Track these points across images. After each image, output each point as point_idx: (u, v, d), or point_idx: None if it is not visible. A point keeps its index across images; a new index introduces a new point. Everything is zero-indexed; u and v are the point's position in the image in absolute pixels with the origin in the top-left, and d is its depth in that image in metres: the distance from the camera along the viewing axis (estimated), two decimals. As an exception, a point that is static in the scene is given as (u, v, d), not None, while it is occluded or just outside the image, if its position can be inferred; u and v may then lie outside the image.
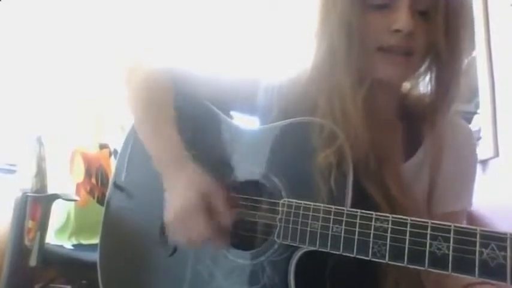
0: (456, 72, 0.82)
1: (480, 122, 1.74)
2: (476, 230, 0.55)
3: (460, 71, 0.82)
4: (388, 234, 0.62)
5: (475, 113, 1.78)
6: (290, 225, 0.73)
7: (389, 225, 0.62)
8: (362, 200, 0.70)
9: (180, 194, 0.80)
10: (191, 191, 0.78)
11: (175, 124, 0.88)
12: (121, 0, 2.84)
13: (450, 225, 0.57)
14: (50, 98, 2.63)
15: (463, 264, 0.55)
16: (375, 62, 0.79)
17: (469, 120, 1.72)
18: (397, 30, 0.76)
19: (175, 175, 0.83)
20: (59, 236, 2.24)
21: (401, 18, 0.75)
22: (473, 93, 1.75)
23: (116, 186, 1.01)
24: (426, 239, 0.59)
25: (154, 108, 0.91)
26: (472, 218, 1.52)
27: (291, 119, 0.81)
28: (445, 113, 0.84)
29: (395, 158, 0.81)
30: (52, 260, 2.02)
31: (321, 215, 0.69)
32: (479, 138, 1.70)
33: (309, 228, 0.70)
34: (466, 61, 0.84)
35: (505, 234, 0.53)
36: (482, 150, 1.67)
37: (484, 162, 1.69)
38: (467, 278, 0.70)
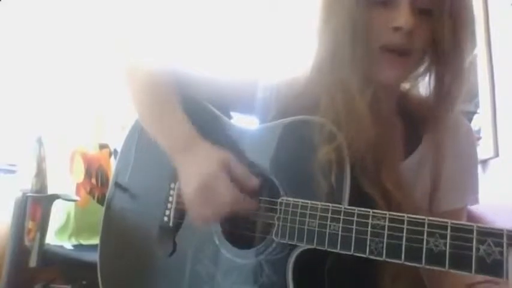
0: (459, 71, 0.82)
1: (480, 122, 1.74)
2: (472, 226, 0.56)
3: (463, 70, 0.82)
4: (385, 232, 0.62)
5: (475, 113, 1.78)
6: (288, 224, 0.73)
7: (386, 223, 0.62)
8: (359, 196, 0.70)
9: (197, 169, 0.79)
10: (208, 163, 0.79)
11: (183, 111, 0.88)
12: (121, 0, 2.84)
13: (447, 222, 0.57)
14: (50, 98, 2.63)
15: (460, 261, 0.56)
16: (377, 62, 0.79)
17: (469, 120, 1.72)
18: (397, 28, 0.76)
19: (191, 154, 0.82)
20: (59, 236, 2.24)
21: (402, 16, 0.75)
22: (473, 93, 1.75)
23: (117, 186, 1.01)
24: (423, 236, 0.59)
25: (160, 100, 0.90)
26: (472, 217, 1.51)
27: (289, 118, 0.81)
28: (448, 113, 0.84)
29: (394, 155, 0.81)
30: (52, 260, 2.02)
31: (319, 213, 0.69)
32: (479, 138, 1.70)
33: (306, 227, 0.70)
34: (468, 61, 0.83)
35: (501, 230, 0.53)
36: (482, 150, 1.67)
37: (484, 162, 1.68)
38: (469, 277, 0.70)
